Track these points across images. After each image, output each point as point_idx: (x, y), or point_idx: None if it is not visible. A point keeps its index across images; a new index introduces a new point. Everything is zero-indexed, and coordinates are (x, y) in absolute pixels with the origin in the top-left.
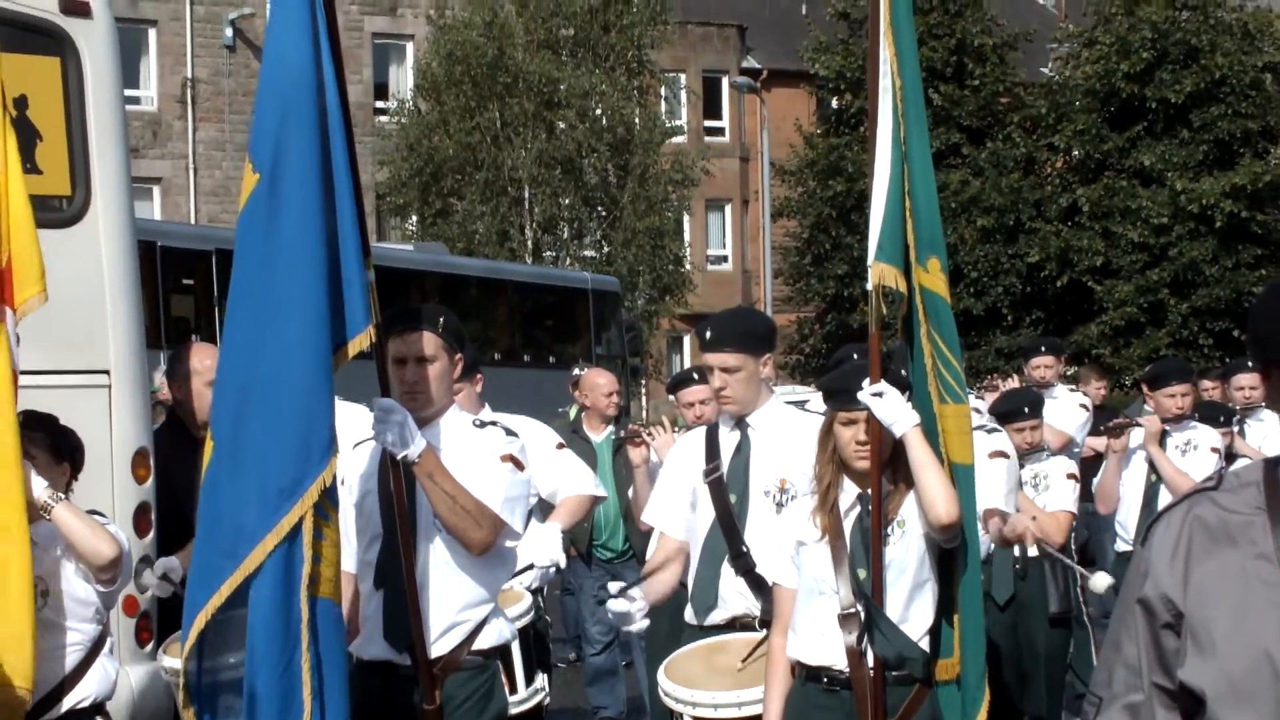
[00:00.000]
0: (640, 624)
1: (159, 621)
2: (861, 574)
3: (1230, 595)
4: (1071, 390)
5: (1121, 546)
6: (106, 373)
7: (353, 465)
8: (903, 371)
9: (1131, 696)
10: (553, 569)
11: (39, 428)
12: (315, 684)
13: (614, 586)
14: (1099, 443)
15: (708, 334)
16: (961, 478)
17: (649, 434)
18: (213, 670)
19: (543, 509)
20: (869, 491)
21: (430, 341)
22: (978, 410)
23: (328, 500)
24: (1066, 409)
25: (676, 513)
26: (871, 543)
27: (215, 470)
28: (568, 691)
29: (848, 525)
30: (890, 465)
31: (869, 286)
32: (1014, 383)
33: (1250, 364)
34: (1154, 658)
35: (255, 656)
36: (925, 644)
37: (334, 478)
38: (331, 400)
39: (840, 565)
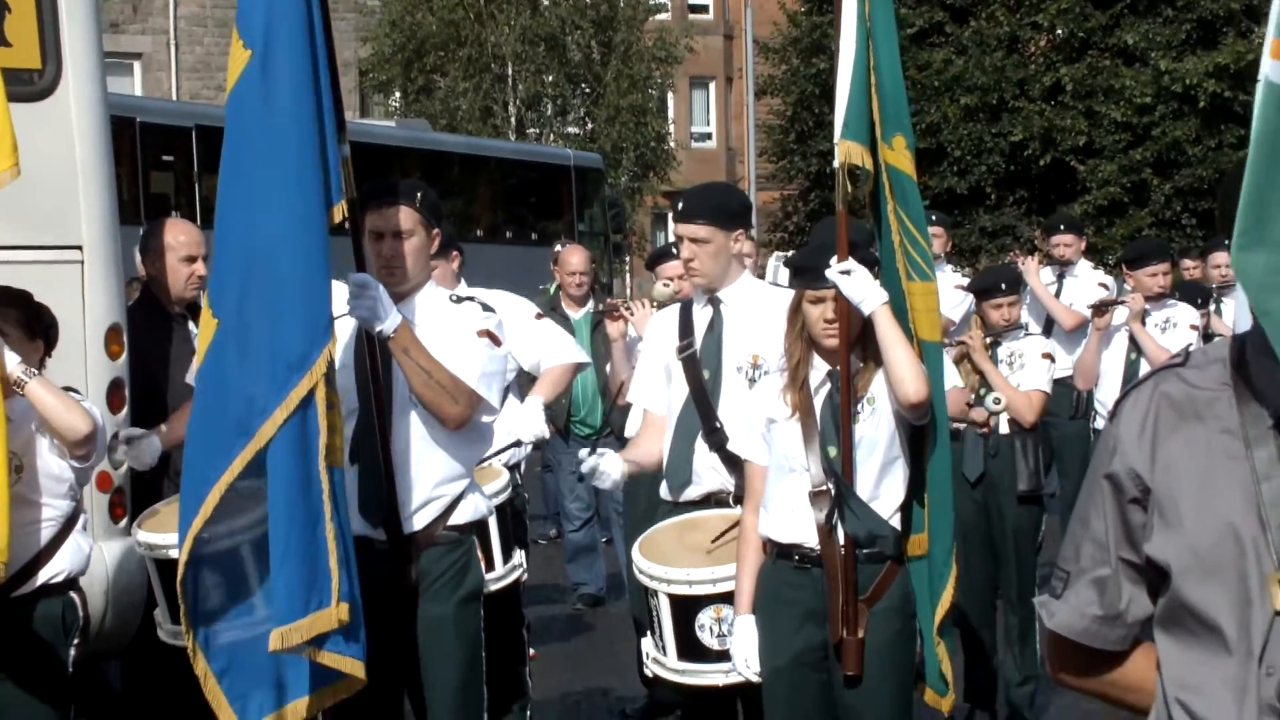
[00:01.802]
0: (614, 474)
1: (133, 498)
2: (832, 451)
3: (1196, 470)
4: (1094, 268)
5: (1101, 424)
6: (79, 248)
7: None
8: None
9: (1099, 571)
10: (531, 445)
11: (12, 304)
12: (341, 553)
13: (583, 453)
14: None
15: (680, 205)
16: (930, 355)
17: (627, 309)
18: (214, 539)
19: (522, 386)
20: (838, 369)
21: (407, 216)
22: (963, 288)
23: (333, 370)
24: (1086, 286)
25: (657, 388)
26: (841, 420)
27: (219, 348)
28: (547, 568)
29: (818, 403)
30: (859, 343)
31: (835, 164)
32: (1033, 262)
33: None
34: (1121, 532)
35: (280, 527)
36: (896, 521)
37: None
38: (328, 274)
39: (810, 443)
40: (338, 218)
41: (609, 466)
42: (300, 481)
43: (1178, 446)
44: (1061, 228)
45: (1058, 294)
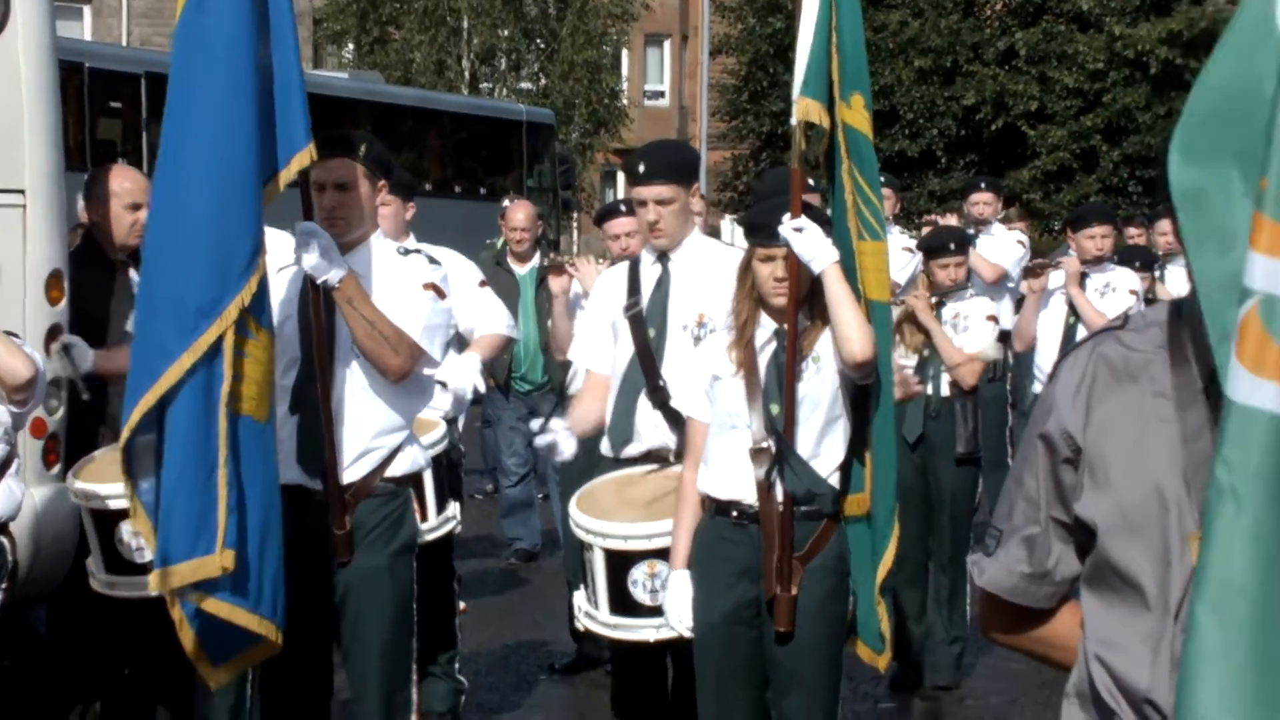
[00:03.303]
0: (569, 451)
1: (67, 444)
2: (774, 409)
3: (1127, 431)
4: (1010, 229)
5: (1038, 388)
6: (22, 192)
7: (274, 290)
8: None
9: (1029, 529)
10: (469, 394)
11: None
12: (232, 500)
13: (535, 424)
14: (1023, 285)
15: (640, 168)
16: (877, 315)
17: (572, 265)
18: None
19: (456, 344)
20: (785, 327)
21: (351, 168)
22: (910, 249)
23: (254, 319)
24: (1004, 243)
25: (601, 348)
26: (785, 378)
27: (143, 293)
28: (484, 523)
29: (762, 360)
30: (807, 302)
31: (793, 121)
32: (953, 220)
33: None
34: (1052, 492)
35: (173, 474)
36: (835, 480)
37: (254, 297)
38: (256, 220)
39: (754, 400)
40: (306, 161)
41: (564, 443)
42: (200, 427)
43: (1112, 408)
44: (981, 186)
45: None
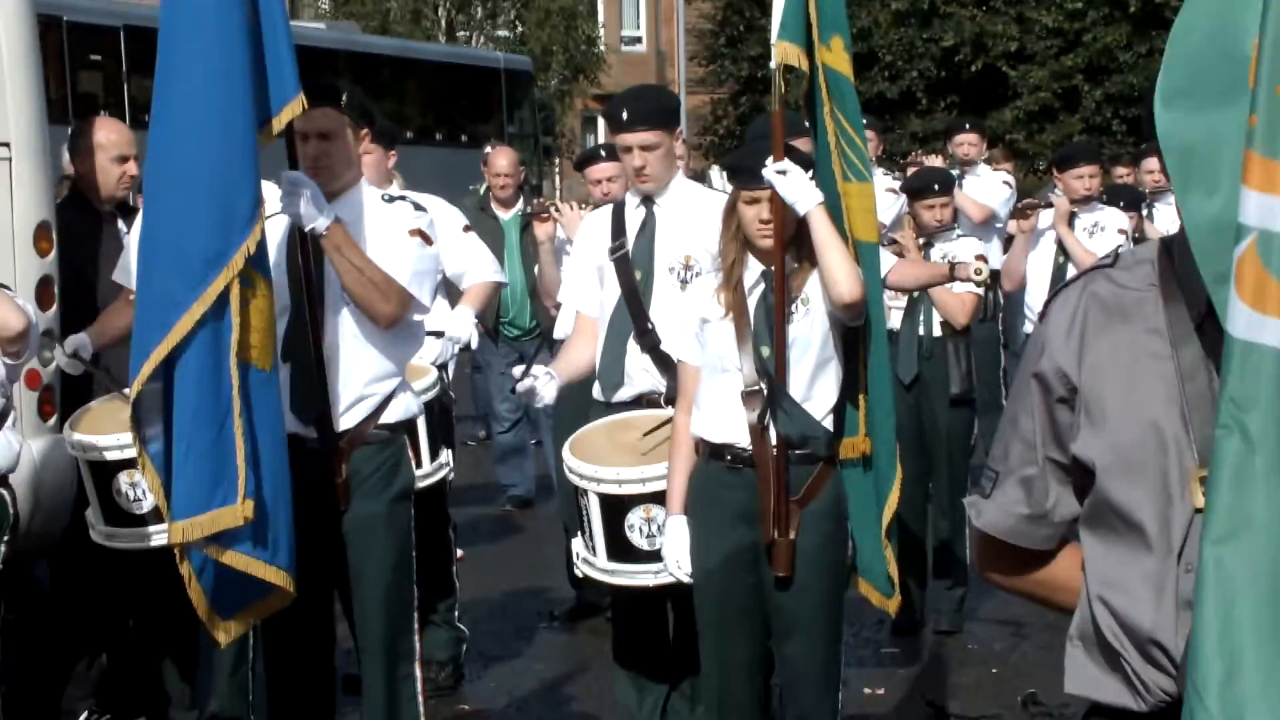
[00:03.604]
0: (549, 396)
1: (63, 396)
2: (765, 351)
3: (1122, 369)
4: (995, 169)
5: (1029, 328)
6: (7, 145)
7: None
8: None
9: (1026, 470)
10: (456, 345)
11: None
12: (248, 449)
13: (516, 371)
14: (1011, 225)
15: (624, 114)
16: (865, 255)
17: (555, 210)
18: (148, 440)
19: (445, 290)
20: (773, 270)
21: (332, 117)
22: (894, 190)
23: (255, 269)
24: (990, 184)
25: (589, 291)
26: (775, 320)
27: (145, 245)
28: (476, 470)
29: (752, 303)
30: (794, 243)
31: (772, 65)
32: (937, 161)
33: None
34: (1048, 432)
35: (185, 426)
36: (829, 423)
37: (259, 245)
38: (255, 169)
39: (744, 343)
40: (297, 111)
41: (544, 389)
42: (210, 378)
43: (1105, 346)
44: (965, 126)
45: None
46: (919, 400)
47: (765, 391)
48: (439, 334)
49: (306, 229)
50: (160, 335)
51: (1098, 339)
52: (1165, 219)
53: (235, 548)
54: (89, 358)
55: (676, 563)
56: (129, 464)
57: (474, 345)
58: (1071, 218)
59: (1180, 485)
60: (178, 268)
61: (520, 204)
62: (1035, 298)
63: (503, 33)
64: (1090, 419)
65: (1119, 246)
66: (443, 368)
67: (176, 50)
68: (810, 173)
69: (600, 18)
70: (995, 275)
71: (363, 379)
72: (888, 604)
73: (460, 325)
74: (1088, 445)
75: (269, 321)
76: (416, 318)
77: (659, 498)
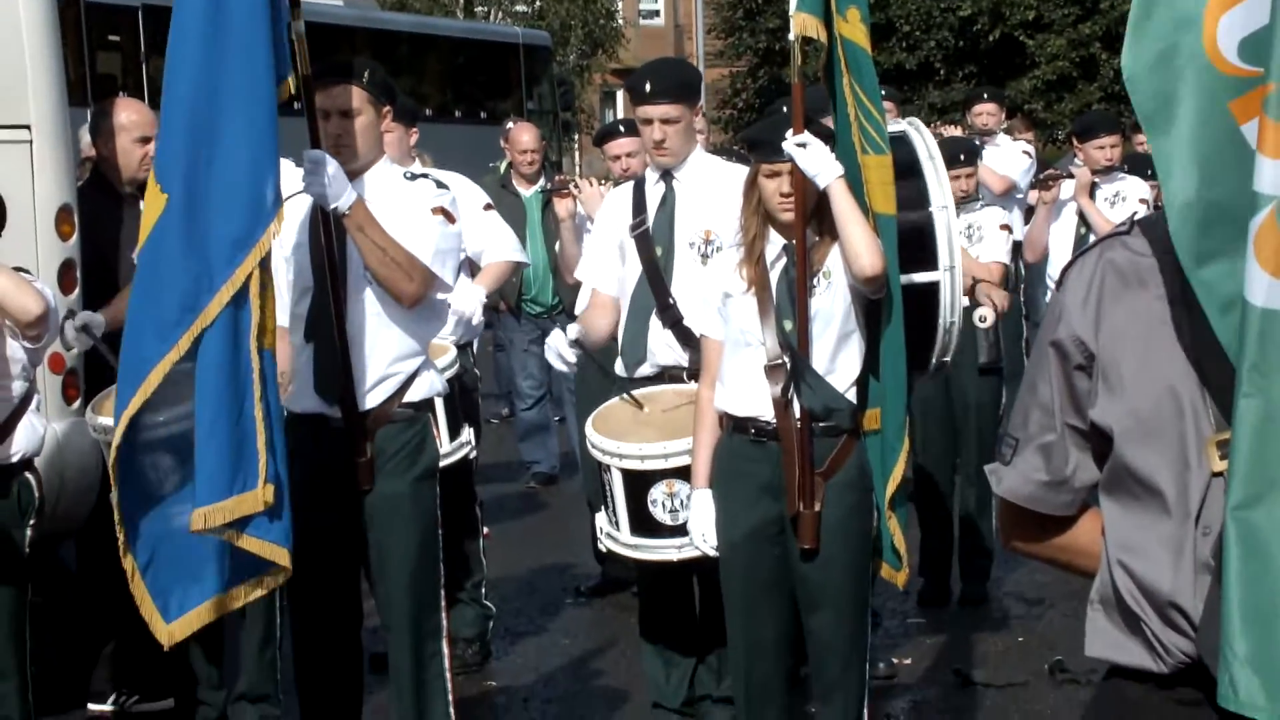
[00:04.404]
0: (571, 358)
1: (86, 379)
2: (788, 325)
3: (1139, 335)
4: (1014, 139)
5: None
6: (28, 128)
7: (286, 219)
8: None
9: (1045, 437)
10: (474, 318)
11: None
12: (268, 434)
13: (552, 338)
14: (1031, 195)
15: (646, 86)
16: (884, 228)
17: (575, 187)
18: (150, 426)
19: (467, 267)
20: (794, 243)
21: (354, 94)
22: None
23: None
24: (1010, 155)
25: (608, 268)
26: (797, 294)
27: (166, 225)
28: (500, 447)
29: (774, 277)
30: (815, 217)
31: (790, 37)
32: (956, 131)
33: None
34: (1067, 398)
35: (208, 408)
36: (852, 395)
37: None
38: (276, 150)
39: (766, 316)
40: (285, 95)
41: (563, 350)
42: (230, 362)
43: (1122, 313)
44: (985, 96)
45: None
46: (948, 369)
47: (788, 365)
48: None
49: (329, 208)
50: (191, 317)
51: (1114, 306)
52: None
53: (249, 531)
54: (99, 335)
55: (703, 536)
56: None
57: (476, 321)
58: (1093, 188)
59: (1197, 449)
60: (207, 250)
61: (542, 180)
62: (1057, 268)
63: (521, 7)
64: (1108, 385)
65: (1134, 214)
66: (466, 347)
67: (192, 28)
68: (830, 145)
69: None
70: (1017, 246)
71: (387, 358)
72: (896, 576)
73: (467, 301)
74: (1106, 411)
75: (273, 303)
76: (440, 296)
77: (682, 472)
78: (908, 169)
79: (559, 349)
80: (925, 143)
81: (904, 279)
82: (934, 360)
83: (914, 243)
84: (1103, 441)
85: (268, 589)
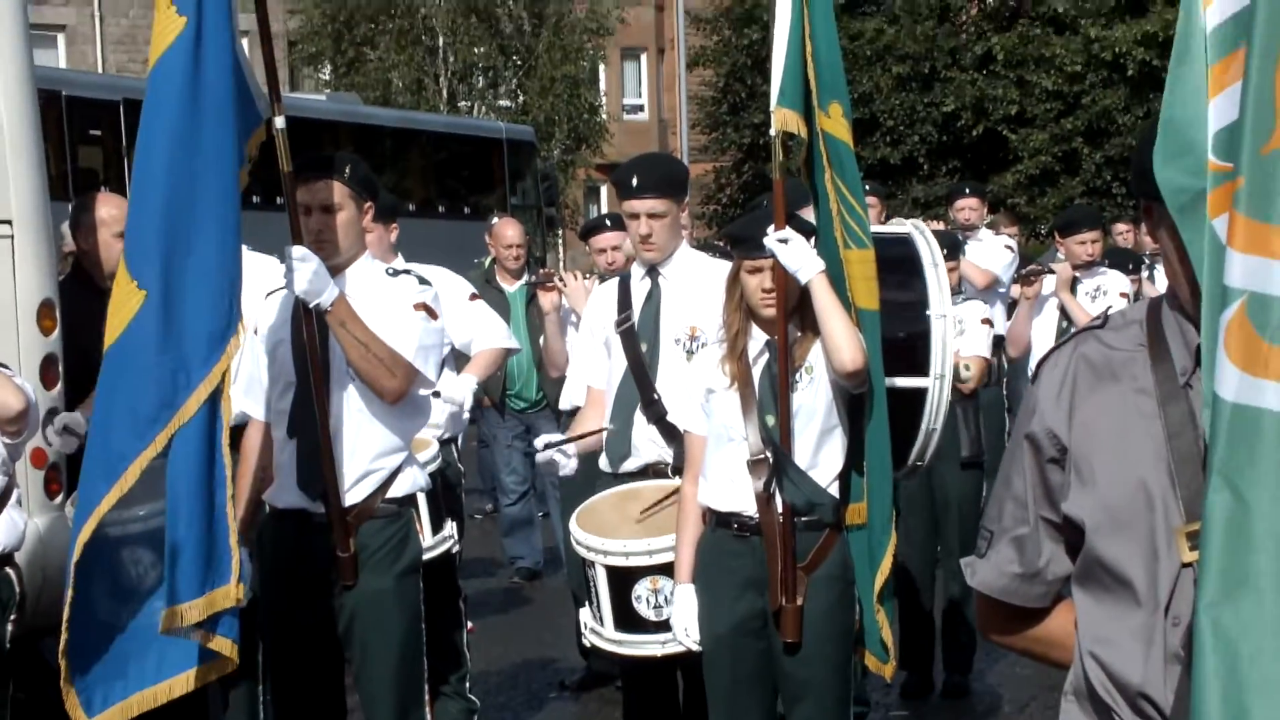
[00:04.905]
0: (569, 468)
1: (68, 473)
2: (770, 420)
3: (1111, 429)
4: (997, 234)
5: None
6: (9, 223)
7: (265, 315)
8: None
9: (1019, 530)
10: (465, 406)
11: None
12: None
13: (539, 442)
14: (1014, 289)
15: (633, 181)
16: (867, 323)
17: (560, 281)
18: (117, 522)
19: (454, 361)
20: (776, 339)
21: (335, 190)
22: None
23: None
24: (993, 249)
25: (598, 364)
26: (779, 389)
27: (144, 321)
28: (484, 543)
29: (756, 372)
30: (797, 312)
31: (771, 133)
32: (939, 226)
33: None
34: (1040, 491)
35: (180, 503)
36: (834, 489)
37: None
38: (240, 250)
39: (749, 412)
40: (244, 183)
41: (564, 460)
42: (205, 460)
43: (1095, 407)
44: (966, 191)
45: None
46: (928, 464)
47: (771, 460)
48: (435, 394)
49: (311, 304)
50: (169, 414)
51: (1087, 399)
52: (1166, 280)
53: (218, 631)
54: (82, 434)
55: (685, 630)
56: None
57: (466, 407)
58: (1074, 282)
59: (1167, 540)
60: (185, 347)
61: (526, 275)
62: None
63: (504, 102)
64: (1080, 478)
65: (1108, 308)
66: (450, 441)
67: (169, 125)
68: (812, 240)
69: (602, 86)
70: (999, 340)
71: (370, 453)
72: (884, 669)
73: (459, 389)
74: (1078, 504)
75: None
76: (422, 392)
77: (665, 569)
78: (909, 272)
79: (560, 460)
80: (930, 248)
81: (894, 382)
82: (910, 462)
83: (908, 347)
84: (1075, 534)
85: (211, 678)
